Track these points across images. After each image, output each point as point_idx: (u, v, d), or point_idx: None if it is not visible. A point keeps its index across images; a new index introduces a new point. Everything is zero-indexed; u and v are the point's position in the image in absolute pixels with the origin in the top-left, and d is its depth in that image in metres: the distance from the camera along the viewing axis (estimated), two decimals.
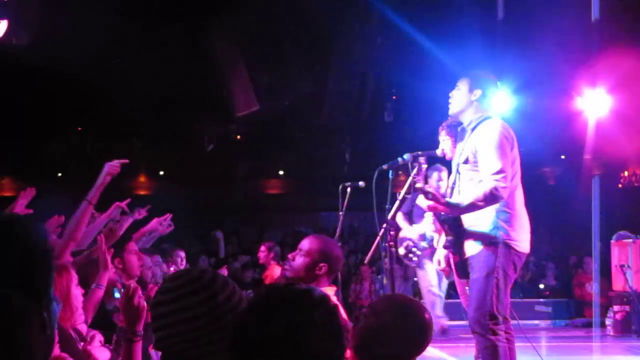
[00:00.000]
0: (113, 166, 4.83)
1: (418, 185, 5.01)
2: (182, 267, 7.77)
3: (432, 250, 7.58)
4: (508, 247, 4.96)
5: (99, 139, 18.47)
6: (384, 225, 5.39)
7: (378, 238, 5.51)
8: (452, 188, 5.26)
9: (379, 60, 12.62)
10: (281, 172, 22.73)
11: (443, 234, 5.20)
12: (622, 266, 10.68)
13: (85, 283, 4.65)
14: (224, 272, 7.37)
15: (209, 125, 17.17)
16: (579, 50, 11.19)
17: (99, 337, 4.30)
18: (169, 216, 7.59)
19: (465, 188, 5.12)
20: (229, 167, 20.57)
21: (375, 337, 2.96)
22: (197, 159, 18.58)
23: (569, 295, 13.37)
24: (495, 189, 4.86)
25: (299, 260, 4.19)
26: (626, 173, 17.80)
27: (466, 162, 5.13)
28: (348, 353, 2.60)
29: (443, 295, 9.34)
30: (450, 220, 5.08)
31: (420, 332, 3.04)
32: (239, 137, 19.54)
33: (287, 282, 3.44)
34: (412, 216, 8.92)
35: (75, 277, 4.35)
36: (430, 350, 3.05)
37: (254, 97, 11.93)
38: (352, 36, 12.07)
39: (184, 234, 12.76)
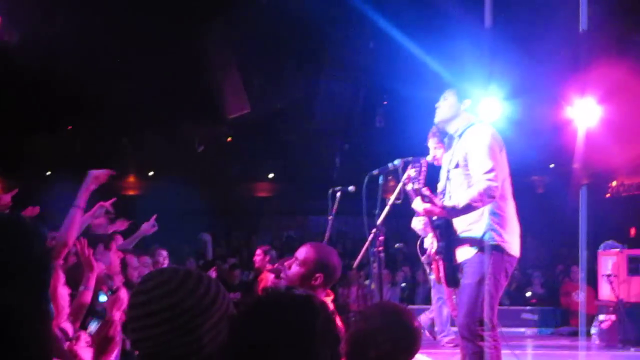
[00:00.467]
0: (97, 177, 4.77)
1: (415, 186, 5.02)
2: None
3: None
4: (501, 251, 5.00)
5: (88, 138, 18.40)
6: (374, 230, 5.39)
7: (367, 243, 5.50)
8: (443, 194, 5.29)
9: (370, 66, 12.66)
10: (271, 175, 22.71)
11: (435, 240, 5.22)
12: (608, 276, 10.72)
13: (72, 284, 4.64)
14: (213, 274, 7.38)
15: (200, 126, 17.15)
16: (569, 59, 11.23)
17: (84, 336, 4.29)
18: (154, 217, 7.61)
19: (456, 193, 5.15)
20: (219, 169, 20.53)
21: (366, 344, 2.97)
22: (187, 160, 18.55)
23: (556, 303, 13.40)
24: (489, 187, 4.92)
25: (294, 269, 4.07)
26: (614, 183, 17.86)
27: (457, 166, 5.17)
28: None
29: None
30: (443, 227, 5.11)
31: (410, 339, 3.05)
32: (229, 139, 19.53)
33: (287, 287, 3.40)
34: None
35: (62, 277, 4.35)
36: (418, 357, 3.04)
37: (245, 100, 11.93)
38: (345, 42, 12.11)
39: (172, 236, 12.71)
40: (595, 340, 10.76)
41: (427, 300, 11.01)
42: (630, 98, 11.63)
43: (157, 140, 18.29)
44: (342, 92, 12.94)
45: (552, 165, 18.68)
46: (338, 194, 6.65)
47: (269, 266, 9.43)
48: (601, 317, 10.76)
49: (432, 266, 5.47)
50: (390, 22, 10.99)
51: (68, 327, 4.43)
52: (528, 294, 13.93)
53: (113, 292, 4.57)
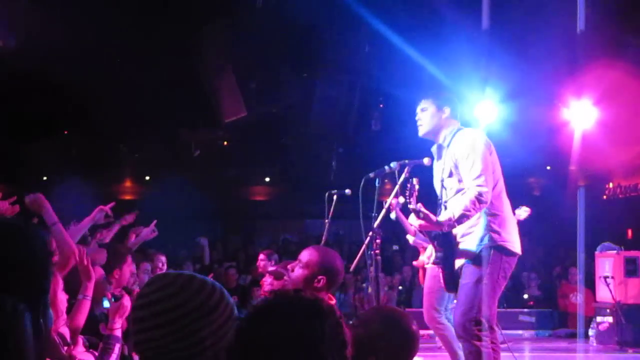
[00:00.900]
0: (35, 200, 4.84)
1: (410, 206, 5.00)
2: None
3: None
4: (500, 251, 5.01)
5: (84, 143, 18.37)
6: (370, 233, 5.38)
7: (364, 246, 5.49)
8: (440, 205, 5.29)
9: (366, 68, 12.66)
10: (267, 179, 22.69)
11: (433, 251, 5.22)
12: (606, 277, 10.72)
13: (71, 290, 4.63)
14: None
15: (196, 130, 17.14)
16: (565, 61, 11.25)
17: (82, 341, 4.29)
18: (154, 223, 7.64)
19: (452, 202, 5.15)
20: (216, 173, 20.50)
21: (364, 348, 2.96)
22: (183, 165, 18.52)
23: (553, 305, 13.40)
24: (480, 194, 4.92)
25: (297, 272, 4.14)
26: (611, 185, 17.86)
27: (450, 175, 5.18)
28: None
29: None
30: (440, 237, 5.11)
31: (408, 342, 3.04)
32: (226, 143, 19.51)
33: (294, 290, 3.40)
34: None
35: (60, 282, 4.34)
36: None
37: (241, 104, 11.93)
38: (340, 45, 12.11)
39: (170, 240, 12.71)
40: (593, 342, 10.77)
41: None
42: (626, 99, 11.66)
43: (154, 145, 18.27)
44: (338, 95, 12.93)
45: (548, 167, 18.68)
46: (335, 197, 6.66)
47: (271, 269, 9.41)
48: (599, 319, 10.77)
49: (420, 272, 5.50)
50: (386, 25, 11.00)
51: (66, 331, 4.42)
52: (525, 296, 13.93)
53: (117, 299, 4.56)
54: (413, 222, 5.10)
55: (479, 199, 4.91)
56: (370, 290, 5.38)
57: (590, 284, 11.66)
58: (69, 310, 4.54)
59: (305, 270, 4.10)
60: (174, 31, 11.77)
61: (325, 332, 1.95)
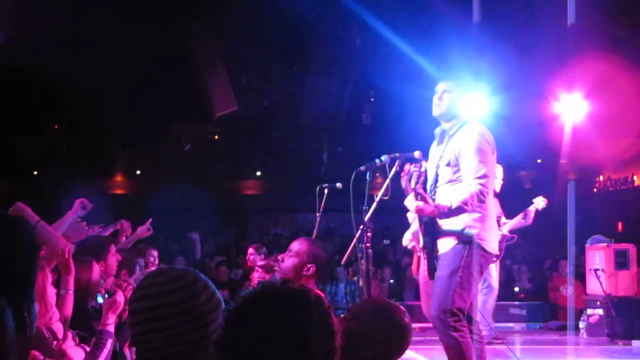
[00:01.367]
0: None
1: (412, 185, 5.00)
2: (155, 267, 7.74)
3: None
4: (477, 247, 5.00)
5: (75, 137, 18.32)
6: (361, 227, 5.38)
7: (355, 239, 5.49)
8: (432, 190, 5.27)
9: (357, 62, 12.66)
10: (258, 173, 22.67)
11: (421, 235, 5.22)
12: (596, 270, 10.75)
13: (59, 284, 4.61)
14: None
15: (187, 124, 17.11)
16: (556, 54, 11.27)
17: (71, 335, 4.27)
18: (149, 221, 7.62)
19: (443, 189, 5.14)
20: (207, 167, 20.47)
21: (356, 341, 2.95)
22: (174, 159, 18.49)
23: (544, 298, 13.42)
24: (481, 192, 4.92)
25: (287, 261, 4.26)
26: (601, 177, 17.93)
27: (448, 164, 5.15)
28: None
29: None
30: (429, 223, 5.10)
31: (400, 335, 3.04)
32: (216, 137, 19.48)
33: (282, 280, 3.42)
34: None
35: (49, 276, 4.32)
36: (406, 352, 3.05)
37: (232, 98, 11.92)
38: (331, 39, 12.10)
39: (161, 234, 12.69)
40: (584, 335, 10.80)
41: (416, 297, 11.02)
42: (616, 93, 11.68)
43: (144, 139, 18.24)
44: (329, 89, 12.93)
45: (539, 161, 18.74)
46: (326, 190, 6.66)
47: (260, 262, 9.40)
48: (589, 311, 10.80)
49: (414, 258, 5.51)
50: (377, 18, 11.00)
51: (59, 327, 4.40)
52: (516, 289, 13.96)
53: (110, 295, 4.54)
54: (409, 204, 5.11)
55: (479, 197, 4.92)
56: (361, 283, 5.37)
57: (580, 276, 11.69)
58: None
59: (295, 259, 4.23)
60: (165, 26, 11.74)
61: (312, 321, 1.96)
